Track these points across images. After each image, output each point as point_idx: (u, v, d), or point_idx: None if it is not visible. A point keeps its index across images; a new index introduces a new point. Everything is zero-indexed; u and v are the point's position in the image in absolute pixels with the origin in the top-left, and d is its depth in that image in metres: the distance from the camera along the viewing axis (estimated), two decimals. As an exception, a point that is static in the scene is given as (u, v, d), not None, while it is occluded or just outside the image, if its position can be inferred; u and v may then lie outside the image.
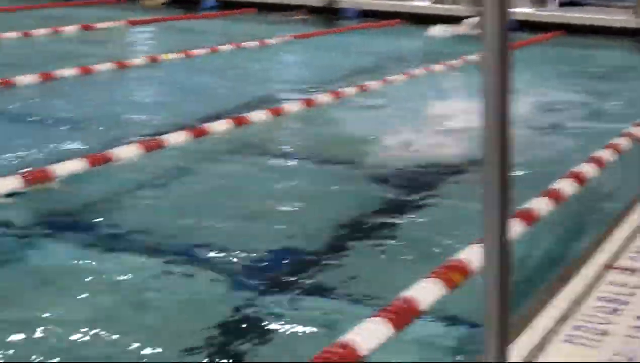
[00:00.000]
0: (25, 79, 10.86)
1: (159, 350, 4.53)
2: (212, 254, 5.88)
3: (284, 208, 6.78)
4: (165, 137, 8.44)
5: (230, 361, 4.49)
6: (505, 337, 2.54)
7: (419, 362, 4.20)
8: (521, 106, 9.70)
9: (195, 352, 4.53)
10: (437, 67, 12.75)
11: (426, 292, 4.73)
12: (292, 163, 7.99)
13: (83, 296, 5.15)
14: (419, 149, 8.42)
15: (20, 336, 4.62)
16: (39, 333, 4.66)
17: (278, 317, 4.91)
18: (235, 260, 5.77)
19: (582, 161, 7.41)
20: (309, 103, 10.47)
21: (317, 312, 5.03)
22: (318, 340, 4.34)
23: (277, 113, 9.91)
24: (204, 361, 4.46)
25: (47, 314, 4.89)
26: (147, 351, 4.50)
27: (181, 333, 4.73)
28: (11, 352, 4.47)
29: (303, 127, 9.57)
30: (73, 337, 4.62)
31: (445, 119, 9.51)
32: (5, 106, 10.24)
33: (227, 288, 5.38)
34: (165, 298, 5.17)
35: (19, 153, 8.39)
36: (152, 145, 8.31)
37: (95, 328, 4.69)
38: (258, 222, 6.52)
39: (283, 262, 5.80)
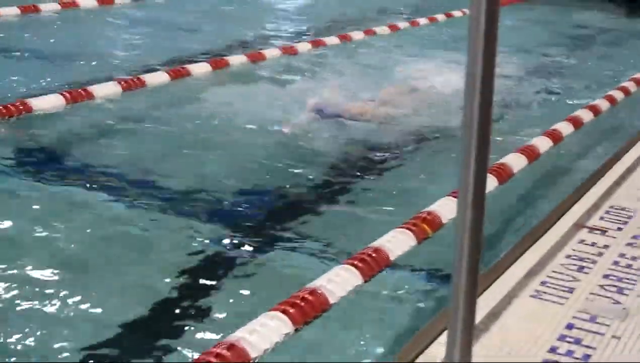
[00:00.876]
0: (5, 11, 10.79)
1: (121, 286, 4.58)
2: (182, 196, 5.87)
3: (260, 153, 6.78)
4: (145, 76, 8.47)
5: (197, 305, 4.51)
6: (474, 290, 2.58)
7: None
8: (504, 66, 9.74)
9: (157, 295, 4.54)
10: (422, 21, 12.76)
11: (396, 242, 4.79)
12: (270, 112, 7.95)
13: (45, 231, 5.15)
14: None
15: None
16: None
17: (244, 264, 4.92)
18: (206, 203, 5.78)
19: (558, 120, 7.48)
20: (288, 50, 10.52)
21: (285, 259, 5.05)
22: (286, 286, 4.37)
23: (255, 58, 9.93)
24: (176, 311, 4.48)
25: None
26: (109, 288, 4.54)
27: (146, 273, 4.74)
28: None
29: (280, 74, 9.53)
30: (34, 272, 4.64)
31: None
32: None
33: (196, 231, 5.37)
34: (128, 236, 5.18)
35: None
36: (132, 84, 8.33)
37: (58, 265, 4.70)
38: (235, 166, 6.53)
39: (255, 209, 5.81)
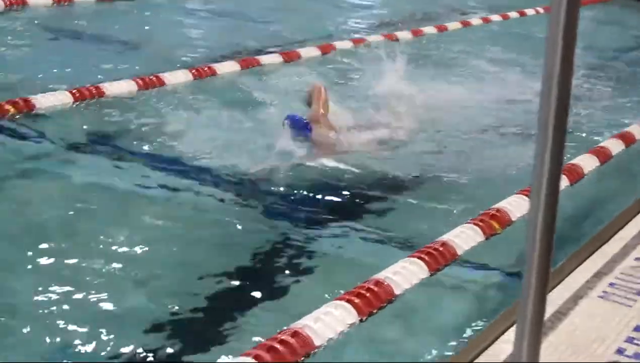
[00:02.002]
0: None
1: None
2: (253, 186, 5.92)
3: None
4: (216, 65, 8.57)
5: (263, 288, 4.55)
6: (545, 288, 2.56)
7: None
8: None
9: (226, 280, 4.59)
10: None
11: (463, 237, 4.78)
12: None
13: (110, 208, 5.30)
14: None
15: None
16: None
17: (313, 251, 4.94)
18: (278, 192, 5.81)
19: (628, 122, 7.38)
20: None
21: (353, 250, 5.08)
22: (353, 275, 4.39)
23: (326, 50, 10.00)
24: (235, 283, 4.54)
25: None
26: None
27: (218, 258, 4.79)
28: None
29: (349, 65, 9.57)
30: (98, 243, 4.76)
31: None
32: (63, 24, 10.32)
33: (266, 217, 5.42)
34: (201, 220, 5.24)
35: (71, 69, 8.50)
36: (202, 73, 8.43)
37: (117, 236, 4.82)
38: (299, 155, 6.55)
39: (325, 198, 5.82)
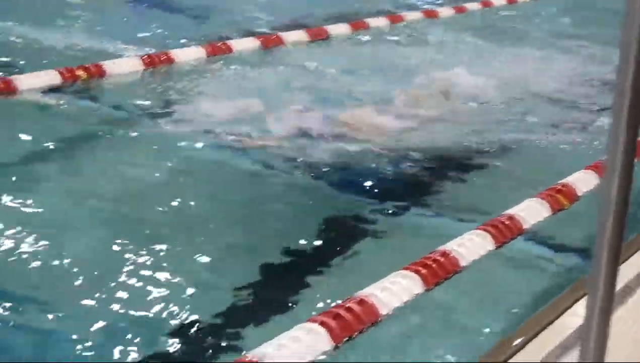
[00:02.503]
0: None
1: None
2: (314, 152, 5.94)
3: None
4: (284, 34, 8.60)
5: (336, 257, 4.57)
6: (616, 262, 2.56)
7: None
8: None
9: (294, 250, 4.63)
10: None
11: (530, 211, 4.77)
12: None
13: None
14: None
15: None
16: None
17: (379, 222, 4.94)
18: (348, 164, 5.82)
19: None
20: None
21: (419, 222, 5.06)
22: (420, 246, 4.40)
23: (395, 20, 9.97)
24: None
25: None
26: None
27: (284, 230, 4.83)
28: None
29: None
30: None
31: None
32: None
33: (335, 189, 5.44)
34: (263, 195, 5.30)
35: (142, 36, 8.60)
36: (270, 41, 8.48)
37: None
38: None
39: (395, 172, 5.80)
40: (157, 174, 5.37)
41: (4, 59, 7.73)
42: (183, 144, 5.88)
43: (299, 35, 8.84)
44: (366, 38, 9.26)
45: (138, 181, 5.23)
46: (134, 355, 3.53)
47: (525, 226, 4.62)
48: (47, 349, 3.56)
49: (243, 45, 8.27)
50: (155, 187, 5.19)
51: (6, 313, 3.73)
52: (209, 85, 7.20)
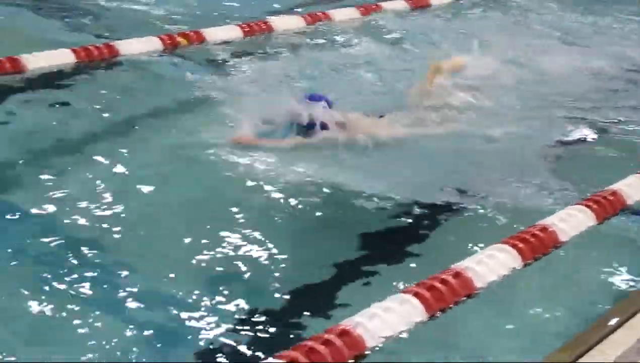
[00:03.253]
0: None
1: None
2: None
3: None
4: (384, 3, 8.57)
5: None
6: None
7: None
8: None
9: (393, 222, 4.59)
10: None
11: (635, 186, 4.64)
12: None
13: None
14: None
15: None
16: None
17: (476, 197, 4.82)
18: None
19: None
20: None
21: (520, 196, 4.93)
22: (515, 222, 4.31)
23: None
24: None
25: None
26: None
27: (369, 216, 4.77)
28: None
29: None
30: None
31: None
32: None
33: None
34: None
35: (241, 5, 8.66)
36: (369, 9, 8.46)
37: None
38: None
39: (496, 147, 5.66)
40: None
41: (109, 24, 7.89)
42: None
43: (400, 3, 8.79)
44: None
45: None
46: (243, 307, 3.59)
47: (629, 201, 4.49)
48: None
49: (342, 14, 8.26)
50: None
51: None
52: (311, 52, 7.18)
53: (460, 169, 5.23)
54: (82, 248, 3.98)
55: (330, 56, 7.21)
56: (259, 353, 3.26)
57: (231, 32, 7.58)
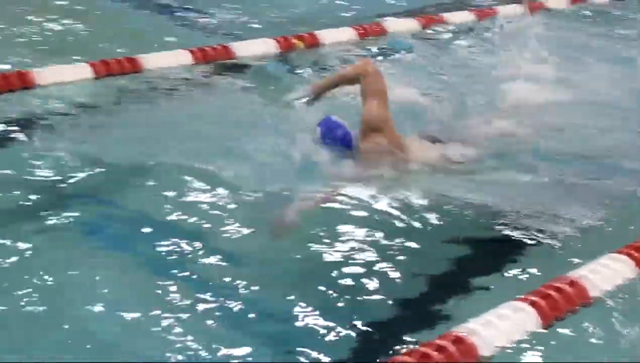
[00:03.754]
0: None
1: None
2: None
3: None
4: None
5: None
6: None
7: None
8: None
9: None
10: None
11: None
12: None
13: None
14: None
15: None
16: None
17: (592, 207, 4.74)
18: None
19: None
20: None
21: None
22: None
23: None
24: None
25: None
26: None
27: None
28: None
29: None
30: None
31: None
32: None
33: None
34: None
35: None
36: (484, 14, 8.43)
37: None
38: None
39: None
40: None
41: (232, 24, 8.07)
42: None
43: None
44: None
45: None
46: (357, 312, 3.60)
47: None
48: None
49: (456, 17, 8.25)
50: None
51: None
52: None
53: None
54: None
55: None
56: (372, 359, 3.29)
57: (344, 34, 7.66)
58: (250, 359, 3.28)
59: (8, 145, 5.20)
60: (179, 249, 4.02)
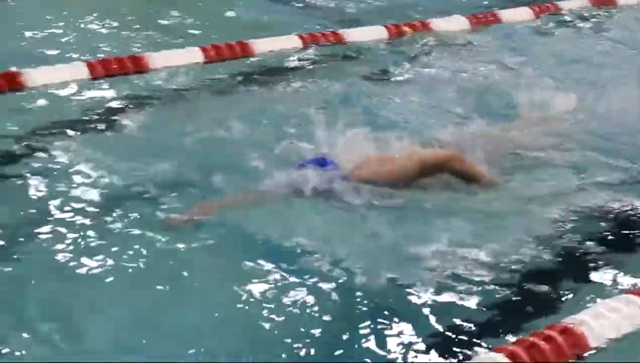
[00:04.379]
0: None
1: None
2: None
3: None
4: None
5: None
6: None
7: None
8: None
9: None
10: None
11: None
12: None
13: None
14: None
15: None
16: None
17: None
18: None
19: None
20: None
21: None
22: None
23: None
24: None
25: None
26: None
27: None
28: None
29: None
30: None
31: None
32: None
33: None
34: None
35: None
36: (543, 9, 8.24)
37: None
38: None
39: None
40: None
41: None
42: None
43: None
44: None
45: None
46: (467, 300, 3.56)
47: None
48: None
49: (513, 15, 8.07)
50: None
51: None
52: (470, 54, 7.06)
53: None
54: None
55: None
56: (479, 346, 3.23)
57: (457, 22, 7.60)
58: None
59: (117, 128, 5.27)
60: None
